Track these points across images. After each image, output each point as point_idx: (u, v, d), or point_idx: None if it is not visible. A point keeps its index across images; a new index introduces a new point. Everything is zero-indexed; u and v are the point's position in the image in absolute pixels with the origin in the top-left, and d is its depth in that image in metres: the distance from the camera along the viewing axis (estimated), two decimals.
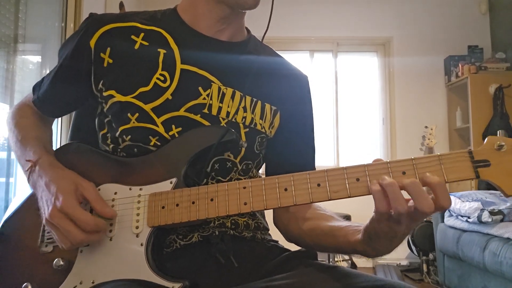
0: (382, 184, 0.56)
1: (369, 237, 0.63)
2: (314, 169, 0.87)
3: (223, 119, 0.78)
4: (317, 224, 0.76)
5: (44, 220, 0.68)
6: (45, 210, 0.68)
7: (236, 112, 0.79)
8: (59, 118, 2.34)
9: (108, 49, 0.78)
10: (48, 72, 0.91)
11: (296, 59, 4.04)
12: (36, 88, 0.87)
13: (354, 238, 0.67)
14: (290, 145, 0.87)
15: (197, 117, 0.76)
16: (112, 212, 0.68)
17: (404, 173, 0.59)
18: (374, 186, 0.57)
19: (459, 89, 3.74)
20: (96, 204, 0.67)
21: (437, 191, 0.55)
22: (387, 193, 0.56)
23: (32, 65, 2.42)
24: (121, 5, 3.09)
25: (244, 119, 0.80)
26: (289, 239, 0.84)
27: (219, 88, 0.78)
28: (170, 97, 0.76)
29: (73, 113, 1.02)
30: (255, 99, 0.82)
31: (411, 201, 0.56)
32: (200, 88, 0.77)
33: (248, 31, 0.91)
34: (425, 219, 3.32)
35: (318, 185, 0.62)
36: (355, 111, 4.03)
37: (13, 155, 0.84)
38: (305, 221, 0.79)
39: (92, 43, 0.78)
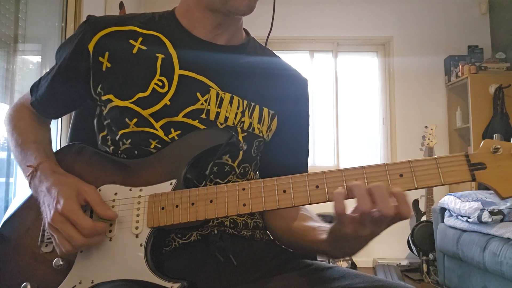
0: (352, 186, 0.59)
1: (334, 238, 0.65)
2: (306, 170, 0.89)
3: (221, 124, 0.78)
4: (295, 224, 0.79)
5: (46, 224, 0.68)
6: (47, 214, 0.68)
7: (235, 117, 0.79)
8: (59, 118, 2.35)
9: (107, 53, 0.78)
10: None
11: (296, 59, 4.04)
12: (33, 89, 0.87)
13: (321, 238, 0.69)
14: (283, 146, 0.88)
15: (195, 123, 0.77)
16: (113, 214, 0.68)
17: (401, 175, 0.60)
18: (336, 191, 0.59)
19: (459, 89, 3.74)
20: (97, 207, 0.68)
21: (399, 199, 0.57)
22: (353, 194, 0.58)
23: (32, 65, 2.43)
24: (121, 5, 3.09)
25: (242, 124, 0.80)
26: (274, 237, 0.86)
27: (218, 93, 0.79)
28: (168, 103, 0.76)
29: (73, 113, 1.02)
30: (253, 104, 0.82)
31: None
32: (198, 94, 0.77)
33: (247, 33, 0.91)
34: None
35: (317, 187, 0.62)
36: (355, 111, 4.02)
37: (13, 155, 0.84)
38: (285, 220, 0.81)
39: (91, 46, 0.78)
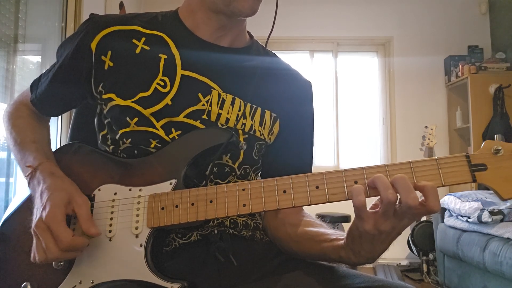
0: (374, 178, 0.58)
1: (352, 240, 0.62)
2: (311, 172, 0.87)
3: (222, 125, 0.78)
4: (304, 230, 0.75)
5: (31, 228, 0.67)
6: (34, 218, 0.67)
7: (236, 119, 0.79)
8: (59, 117, 2.35)
9: (109, 52, 0.78)
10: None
11: (296, 59, 4.04)
12: (33, 87, 0.87)
13: (338, 243, 0.66)
14: (287, 148, 0.87)
15: (197, 123, 0.76)
16: (96, 232, 0.67)
17: None
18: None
19: (459, 89, 3.74)
20: (84, 222, 0.66)
21: (427, 193, 0.56)
22: (376, 185, 0.57)
23: (32, 65, 2.43)
24: (121, 5, 3.09)
25: (243, 126, 0.80)
26: (277, 245, 0.82)
27: (219, 95, 0.78)
28: (169, 103, 0.76)
29: (74, 112, 1.02)
30: (255, 106, 0.81)
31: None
32: (199, 95, 0.77)
33: (251, 36, 0.90)
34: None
35: (317, 187, 0.62)
36: (355, 111, 4.03)
37: (13, 155, 0.84)
38: (292, 227, 0.78)
39: (93, 45, 0.78)
